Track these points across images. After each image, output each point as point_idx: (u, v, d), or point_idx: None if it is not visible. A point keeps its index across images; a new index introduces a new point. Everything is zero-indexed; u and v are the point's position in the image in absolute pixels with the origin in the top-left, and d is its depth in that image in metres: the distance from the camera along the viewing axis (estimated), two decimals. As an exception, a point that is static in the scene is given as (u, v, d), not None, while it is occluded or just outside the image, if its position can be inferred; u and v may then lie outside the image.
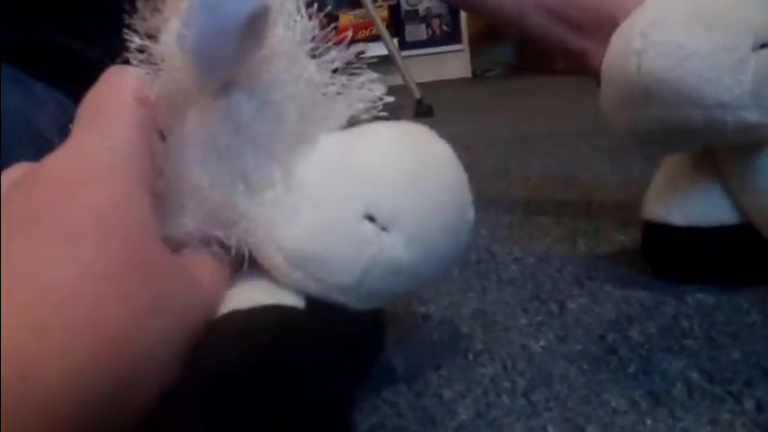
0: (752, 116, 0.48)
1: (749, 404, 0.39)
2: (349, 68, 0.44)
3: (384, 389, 0.44)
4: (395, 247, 0.40)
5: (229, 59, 0.37)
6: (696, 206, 0.56)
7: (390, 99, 0.44)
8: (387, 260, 0.40)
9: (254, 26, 0.36)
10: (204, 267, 0.39)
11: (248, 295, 0.40)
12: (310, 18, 0.43)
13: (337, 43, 0.44)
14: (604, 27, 0.60)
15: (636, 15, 0.51)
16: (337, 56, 0.44)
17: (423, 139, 0.44)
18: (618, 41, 0.52)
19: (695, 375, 0.42)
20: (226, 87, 0.39)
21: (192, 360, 0.35)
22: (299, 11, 0.43)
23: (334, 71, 0.44)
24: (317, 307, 0.41)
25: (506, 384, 0.44)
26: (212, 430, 0.33)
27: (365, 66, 0.45)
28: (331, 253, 0.40)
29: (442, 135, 0.44)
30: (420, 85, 2.15)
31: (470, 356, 0.48)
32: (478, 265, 0.66)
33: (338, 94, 0.44)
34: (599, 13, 0.65)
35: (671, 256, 0.57)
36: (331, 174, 0.41)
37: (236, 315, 0.38)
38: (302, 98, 0.41)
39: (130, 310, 0.31)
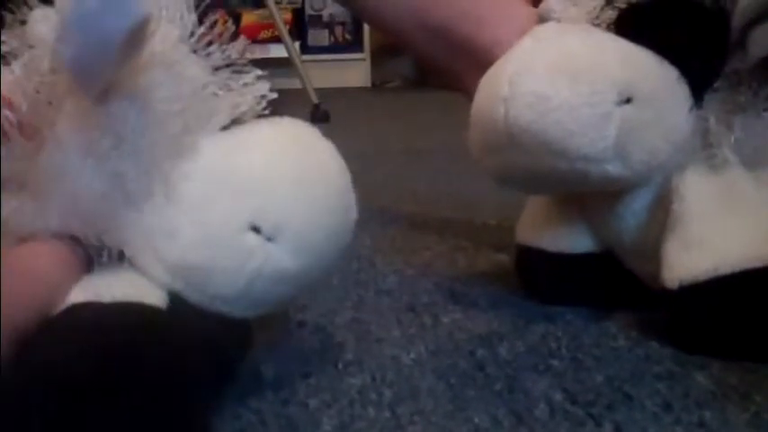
0: (614, 169, 0.49)
1: (608, 427, 0.40)
2: (233, 67, 0.43)
3: (250, 395, 0.43)
4: (281, 258, 0.39)
5: (109, 69, 0.36)
6: (564, 234, 0.57)
7: (274, 95, 0.43)
8: (272, 271, 0.39)
9: (135, 35, 0.35)
10: (45, 255, 0.38)
11: (107, 287, 0.39)
12: (191, 14, 0.42)
13: (221, 41, 0.43)
14: (480, 56, 0.61)
15: (504, 61, 0.51)
16: (220, 54, 0.42)
17: (306, 141, 0.43)
18: (486, 86, 0.52)
19: (558, 396, 0.43)
20: (106, 93, 0.37)
21: (30, 353, 0.34)
22: (178, 7, 0.41)
23: (217, 69, 0.43)
24: (182, 305, 0.40)
25: (373, 396, 0.43)
26: None
27: (249, 64, 0.44)
28: (214, 265, 0.39)
29: (336, 142, 0.43)
30: (319, 90, 2.14)
31: (340, 366, 0.47)
32: (358, 274, 0.66)
33: (223, 91, 0.42)
34: (475, 43, 0.65)
35: (541, 279, 0.59)
36: (214, 184, 0.40)
37: (88, 308, 0.36)
38: (184, 98, 0.40)
39: None
